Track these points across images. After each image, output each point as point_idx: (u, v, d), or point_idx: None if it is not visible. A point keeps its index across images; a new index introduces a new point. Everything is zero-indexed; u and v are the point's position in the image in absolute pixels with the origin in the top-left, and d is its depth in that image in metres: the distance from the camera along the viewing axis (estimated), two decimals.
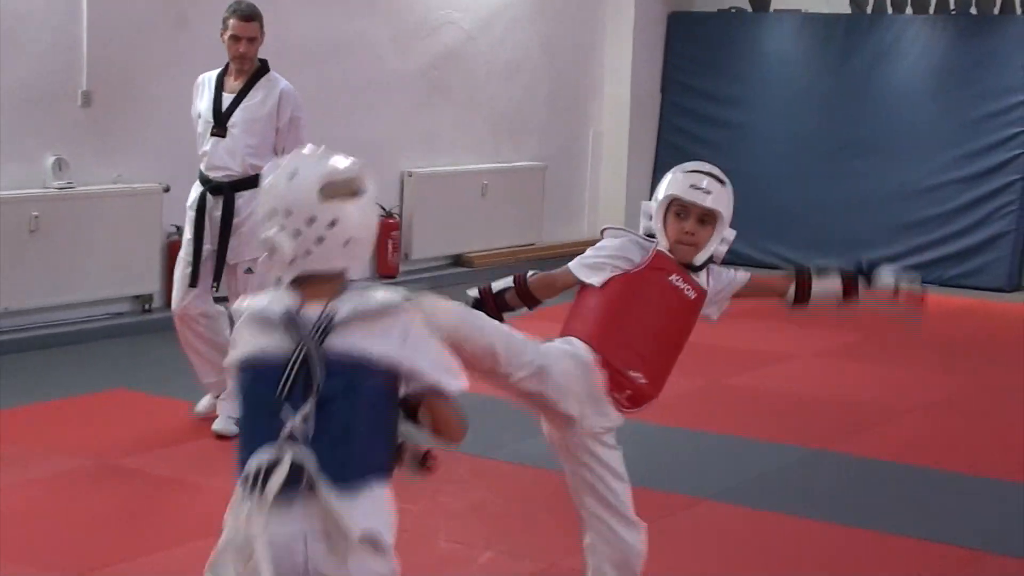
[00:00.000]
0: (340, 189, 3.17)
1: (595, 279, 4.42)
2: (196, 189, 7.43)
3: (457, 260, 12.40)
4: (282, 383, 3.08)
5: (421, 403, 3.20)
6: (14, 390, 7.84)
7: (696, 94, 13.83)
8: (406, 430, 3.23)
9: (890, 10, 13.10)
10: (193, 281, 7.25)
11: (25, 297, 9.02)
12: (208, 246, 7.29)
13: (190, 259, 7.30)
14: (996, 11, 12.74)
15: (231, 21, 7.27)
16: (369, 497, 3.11)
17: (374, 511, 3.13)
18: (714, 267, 4.58)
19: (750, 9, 13.75)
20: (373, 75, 11.53)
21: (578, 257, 4.55)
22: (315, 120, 10.78)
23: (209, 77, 7.44)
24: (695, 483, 6.67)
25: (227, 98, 7.31)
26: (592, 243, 4.59)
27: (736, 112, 13.60)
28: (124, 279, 9.77)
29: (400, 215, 11.79)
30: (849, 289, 4.70)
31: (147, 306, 9.93)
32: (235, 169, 7.25)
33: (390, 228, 11.46)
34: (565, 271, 4.53)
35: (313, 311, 3.14)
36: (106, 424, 7.47)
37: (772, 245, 13.04)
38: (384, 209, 11.43)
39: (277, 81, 7.42)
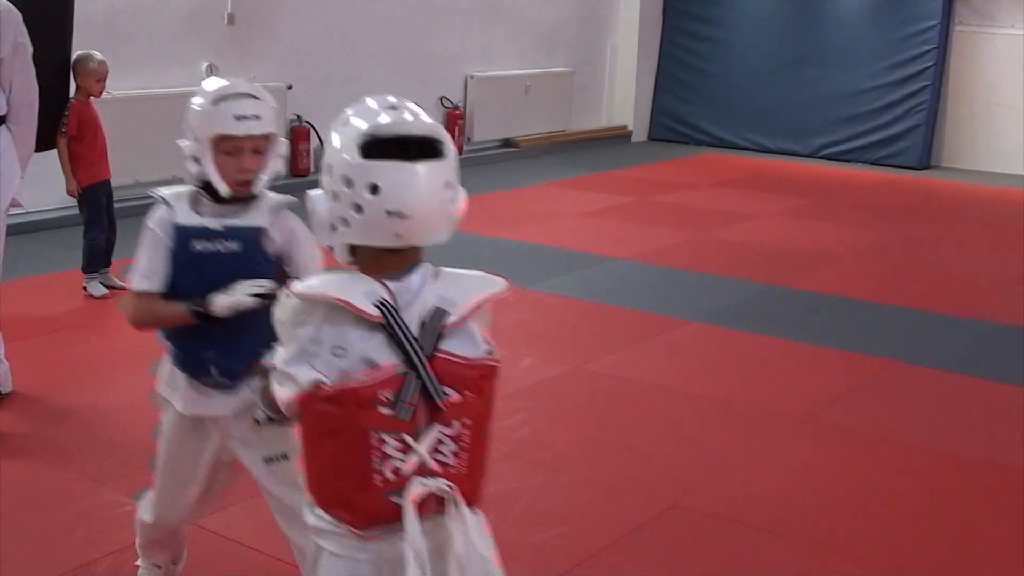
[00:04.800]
0: None
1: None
2: None
3: (507, 142, 12.07)
4: None
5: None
6: None
7: (689, 17, 13.45)
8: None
9: None
10: None
11: None
12: None
13: None
14: None
15: None
16: None
17: None
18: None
19: None
20: (445, 1, 11.23)
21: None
22: (400, 36, 10.69)
23: None
24: (686, 309, 6.54)
25: None
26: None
27: (719, 30, 13.25)
28: None
29: (464, 108, 11.52)
30: None
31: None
32: None
33: (456, 118, 11.14)
34: None
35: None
36: None
37: (747, 132, 13.15)
38: (452, 103, 11.25)
39: None
